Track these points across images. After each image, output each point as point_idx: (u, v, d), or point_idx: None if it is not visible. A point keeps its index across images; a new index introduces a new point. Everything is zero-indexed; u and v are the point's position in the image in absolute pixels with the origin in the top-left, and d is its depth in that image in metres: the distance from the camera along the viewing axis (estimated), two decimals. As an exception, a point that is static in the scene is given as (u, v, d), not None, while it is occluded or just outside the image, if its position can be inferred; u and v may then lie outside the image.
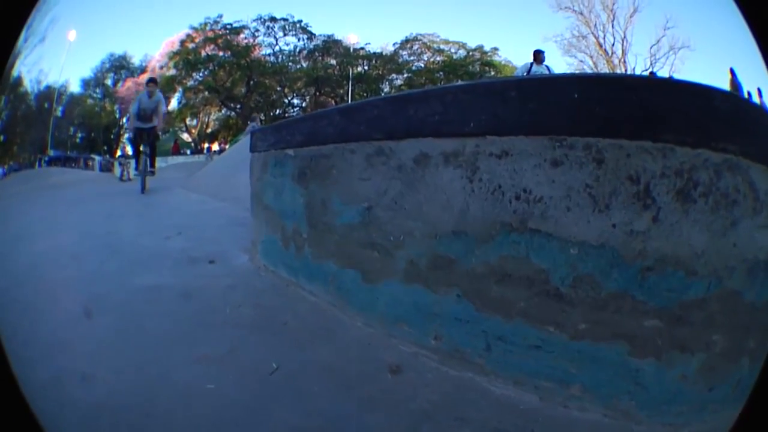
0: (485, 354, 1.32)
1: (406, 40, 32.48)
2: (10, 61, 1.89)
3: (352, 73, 31.03)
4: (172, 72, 29.02)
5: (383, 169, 1.57)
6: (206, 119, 29.44)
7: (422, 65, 32.64)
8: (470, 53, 31.50)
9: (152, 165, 8.07)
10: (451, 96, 1.40)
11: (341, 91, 31.98)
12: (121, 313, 2.05)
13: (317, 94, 32.47)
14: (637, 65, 33.26)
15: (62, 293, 2.41)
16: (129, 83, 29.28)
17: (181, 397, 1.45)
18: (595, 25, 34.77)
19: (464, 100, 1.36)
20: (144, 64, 30.37)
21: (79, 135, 25.43)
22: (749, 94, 11.75)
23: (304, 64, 32.20)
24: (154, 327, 1.91)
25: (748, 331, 1.40)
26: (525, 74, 10.41)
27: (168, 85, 28.26)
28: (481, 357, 1.32)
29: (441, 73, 31.56)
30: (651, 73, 19.16)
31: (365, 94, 32.51)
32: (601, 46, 34.22)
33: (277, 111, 33.11)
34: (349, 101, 30.84)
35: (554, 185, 1.18)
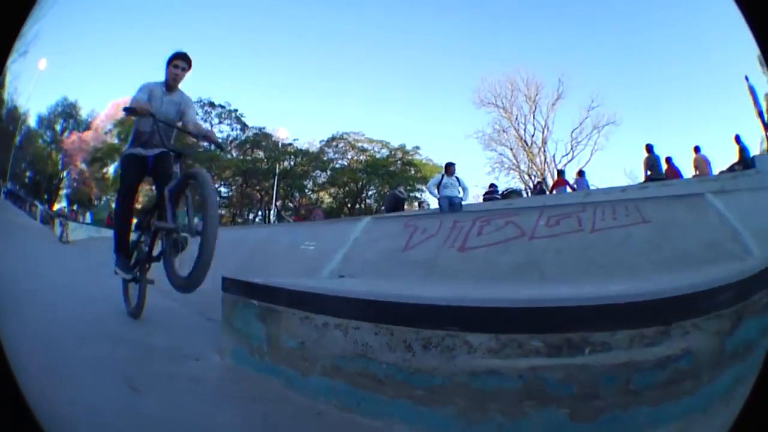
0: (357, 407, 2.77)
1: (332, 138, 35.42)
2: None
3: (279, 168, 32.70)
4: (116, 141, 27.92)
5: (308, 326, 3.01)
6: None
7: (346, 163, 35.48)
8: (393, 152, 34.77)
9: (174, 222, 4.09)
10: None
11: (267, 185, 33.63)
12: (159, 393, 2.93)
13: (244, 185, 34.11)
14: (557, 151, 34.57)
15: (94, 370, 3.12)
16: (74, 137, 27.68)
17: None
18: (516, 117, 35.46)
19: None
20: (89, 120, 28.48)
21: (28, 174, 23.64)
22: (669, 160, 14.40)
23: (234, 154, 34.12)
24: (189, 401, 2.89)
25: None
26: (437, 186, 11.94)
27: (109, 153, 26.88)
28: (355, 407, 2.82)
29: (363, 173, 33.80)
30: (559, 172, 20.84)
31: (289, 189, 34.08)
32: (521, 138, 35.17)
33: (205, 198, 32.03)
34: (274, 196, 31.63)
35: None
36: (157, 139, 4.48)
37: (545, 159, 33.86)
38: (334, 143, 35.32)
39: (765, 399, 1.45)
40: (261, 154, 34.47)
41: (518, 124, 35.82)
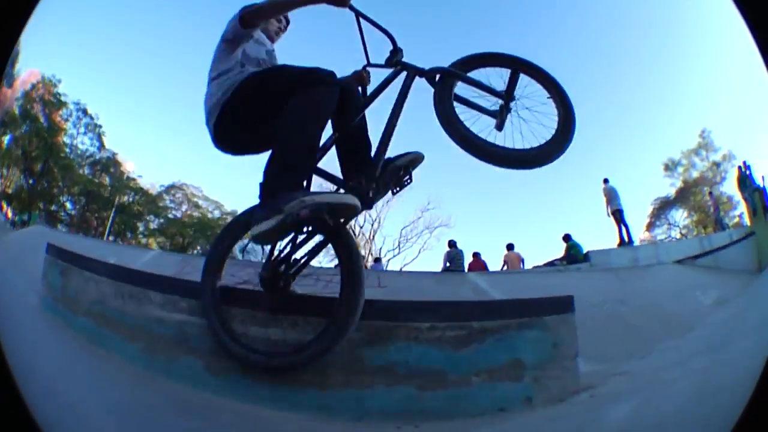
0: (95, 341, 3.91)
1: (172, 186, 33.48)
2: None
3: (119, 201, 31.06)
4: (17, 111, 26.20)
5: (81, 279, 3.90)
6: (12, 178, 27.03)
7: (179, 215, 33.93)
8: (224, 216, 32.65)
9: None
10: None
11: (104, 215, 31.51)
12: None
13: (85, 208, 31.67)
14: (384, 245, 34.15)
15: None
16: (3, 88, 24.68)
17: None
18: (348, 207, 34.65)
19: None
20: (14, 77, 26.08)
21: (-23, 101, 21.87)
22: (477, 254, 14.85)
23: (86, 171, 32.03)
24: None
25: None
26: (242, 251, 11.66)
27: (10, 122, 25.37)
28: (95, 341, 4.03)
29: (192, 229, 32.59)
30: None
31: (123, 227, 32.17)
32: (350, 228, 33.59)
33: (53, 207, 30.01)
34: (108, 229, 30.20)
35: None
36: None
37: (371, 250, 33.55)
38: (172, 191, 33.74)
39: (765, 400, 1.44)
40: (108, 180, 32.51)
41: (349, 213, 33.82)
